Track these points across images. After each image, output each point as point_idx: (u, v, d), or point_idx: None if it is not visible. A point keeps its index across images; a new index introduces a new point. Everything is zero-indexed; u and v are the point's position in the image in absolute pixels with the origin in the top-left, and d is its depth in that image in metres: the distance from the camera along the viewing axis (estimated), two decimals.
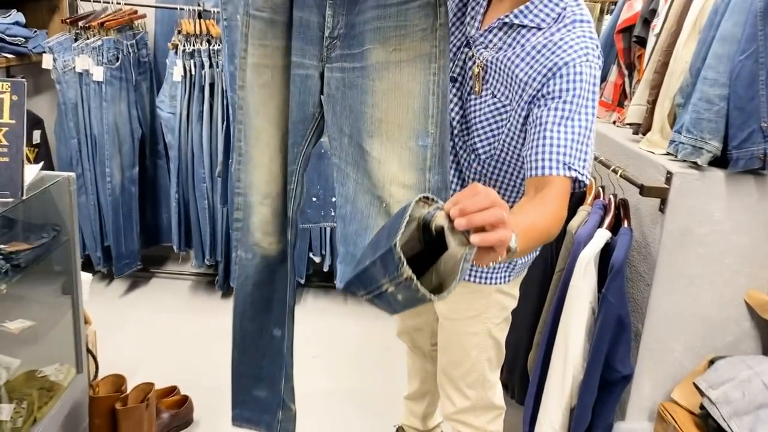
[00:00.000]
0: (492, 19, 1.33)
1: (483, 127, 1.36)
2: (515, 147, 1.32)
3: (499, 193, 1.41)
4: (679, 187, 1.68)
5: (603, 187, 2.01)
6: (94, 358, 2.21)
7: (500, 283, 1.48)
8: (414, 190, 1.37)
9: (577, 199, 2.00)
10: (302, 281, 3.18)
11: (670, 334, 1.77)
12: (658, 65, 1.89)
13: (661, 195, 1.70)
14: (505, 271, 1.48)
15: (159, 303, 3.12)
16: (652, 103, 1.89)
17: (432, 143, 1.36)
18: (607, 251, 1.78)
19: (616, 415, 1.83)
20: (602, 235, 1.78)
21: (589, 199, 1.99)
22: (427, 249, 0.91)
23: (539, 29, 1.26)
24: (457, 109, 1.40)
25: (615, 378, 1.73)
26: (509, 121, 1.30)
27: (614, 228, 1.83)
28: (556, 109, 1.20)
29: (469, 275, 1.48)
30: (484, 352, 1.55)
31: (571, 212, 1.95)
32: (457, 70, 1.39)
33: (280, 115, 1.47)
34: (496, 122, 1.33)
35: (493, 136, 1.34)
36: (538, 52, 1.24)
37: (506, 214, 0.83)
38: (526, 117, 1.26)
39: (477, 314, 1.51)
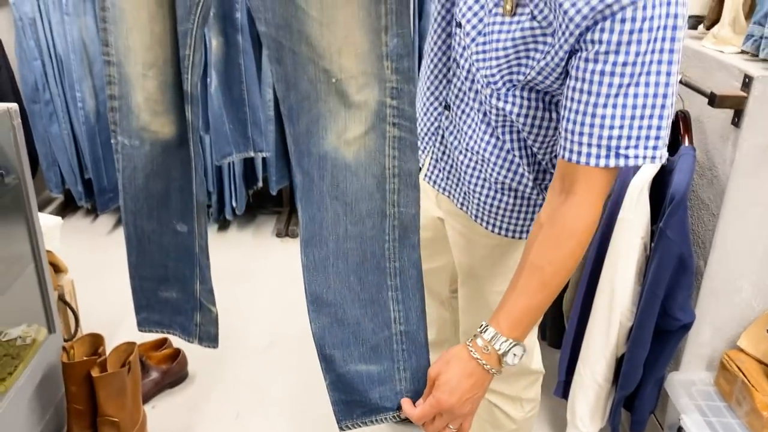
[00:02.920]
0: None
1: (508, 55, 0.99)
2: (552, 86, 0.99)
3: (524, 153, 1.10)
4: (761, 95, 1.34)
5: None
6: (74, 311, 1.98)
7: None
8: (368, 59, 1.06)
9: None
10: (239, 213, 2.92)
11: (739, 271, 1.49)
12: None
13: (736, 105, 1.36)
14: None
15: None
16: None
17: None
18: (662, 175, 1.48)
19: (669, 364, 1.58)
20: None
21: None
22: None
23: None
24: (471, 17, 1.04)
25: (672, 326, 1.47)
26: (549, 53, 0.94)
27: (671, 147, 1.51)
28: (612, 74, 0.86)
29: (495, 226, 1.19)
30: None
31: None
32: None
33: None
34: (527, 50, 0.97)
35: (526, 65, 0.99)
36: None
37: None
38: (569, 57, 0.91)
39: (507, 271, 1.22)
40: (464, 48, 1.08)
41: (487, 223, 1.20)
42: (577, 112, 0.91)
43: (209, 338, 1.41)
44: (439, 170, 1.26)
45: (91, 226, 2.95)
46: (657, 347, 1.50)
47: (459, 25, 1.07)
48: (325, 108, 1.10)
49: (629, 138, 0.89)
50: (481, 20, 1.02)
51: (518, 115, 1.05)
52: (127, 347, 1.67)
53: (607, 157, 0.91)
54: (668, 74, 0.86)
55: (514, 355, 0.98)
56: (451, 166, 1.22)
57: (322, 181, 1.16)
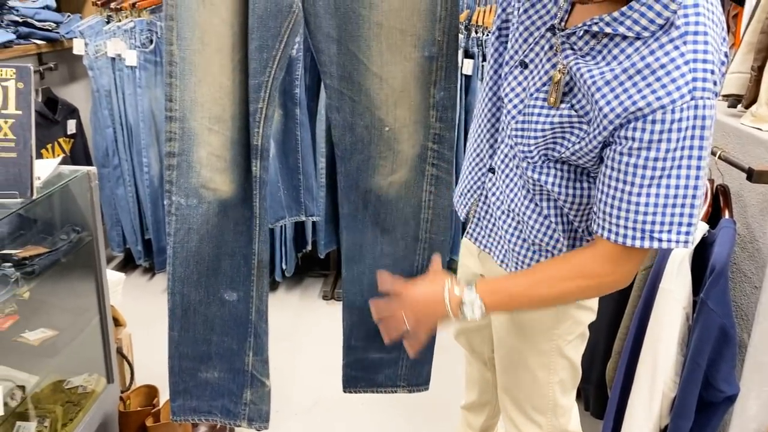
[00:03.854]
0: (578, 20, 1.02)
1: (545, 136, 1.08)
2: (586, 165, 1.07)
3: (560, 219, 1.17)
4: None
5: None
6: (129, 363, 2.07)
7: None
8: (419, 111, 1.20)
9: None
10: (288, 274, 2.99)
11: None
12: (765, 24, 1.58)
13: None
14: None
15: None
16: (759, 69, 1.59)
17: (438, 53, 1.17)
18: (703, 248, 1.51)
19: None
20: (699, 229, 1.50)
21: None
22: None
23: (638, 38, 0.95)
24: (513, 97, 1.13)
25: (717, 398, 1.47)
26: (584, 139, 1.03)
27: (711, 219, 1.55)
28: (644, 167, 0.95)
29: None
30: (554, 373, 1.31)
31: None
32: (531, 56, 1.10)
33: (235, 6, 1.13)
34: (563, 133, 1.06)
35: (561, 145, 1.07)
36: (630, 78, 0.93)
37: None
38: (603, 146, 1.00)
39: (545, 329, 1.27)
40: (507, 123, 1.17)
41: None
42: (613, 197, 0.99)
43: (260, 417, 1.36)
44: (482, 228, 1.33)
45: (148, 283, 3.09)
46: (702, 419, 1.49)
47: (502, 100, 1.17)
48: (375, 151, 1.24)
49: (662, 224, 0.97)
50: (522, 101, 1.11)
51: (553, 185, 1.12)
52: None
53: (642, 239, 0.98)
54: (698, 168, 0.94)
55: (472, 310, 1.12)
56: (494, 225, 1.29)
57: (366, 211, 1.32)
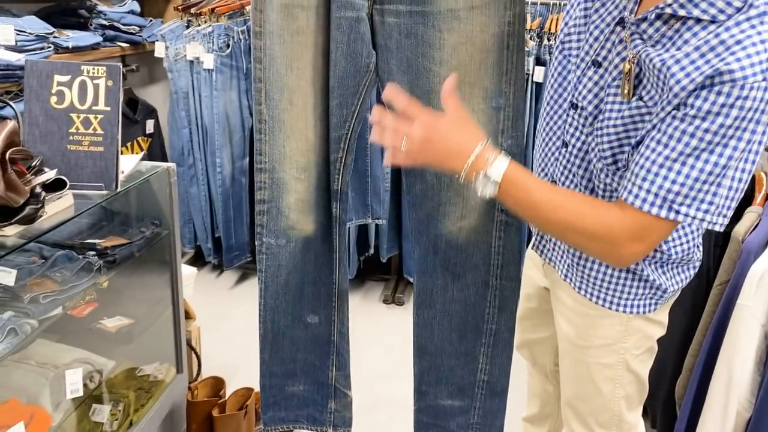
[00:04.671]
0: (651, 4, 1.00)
1: (618, 132, 1.06)
2: None
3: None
4: None
5: None
6: (197, 356, 2.14)
7: (642, 312, 1.21)
8: None
9: (742, 198, 1.66)
10: (350, 277, 3.00)
11: None
12: None
13: None
14: (650, 298, 1.20)
15: None
16: None
17: (506, 104, 1.21)
18: None
19: None
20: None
21: (759, 198, 1.65)
22: None
23: (713, 22, 0.92)
24: (592, 98, 1.12)
25: None
26: (647, 129, 1.01)
27: None
28: (692, 135, 0.92)
29: (599, 298, 1.22)
30: (620, 388, 1.28)
31: (737, 214, 1.62)
32: (604, 53, 1.09)
33: (318, 69, 1.23)
34: (635, 128, 1.03)
35: (628, 144, 1.05)
36: (702, 55, 0.91)
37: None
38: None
39: (611, 342, 1.24)
40: (577, 128, 1.15)
41: (591, 294, 1.23)
42: (648, 158, 0.96)
43: (344, 423, 1.52)
44: (547, 240, 1.31)
45: (216, 280, 3.18)
46: None
47: (575, 107, 1.15)
48: (445, 197, 1.28)
49: (686, 197, 0.94)
50: (599, 99, 1.10)
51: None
52: (245, 392, 1.79)
53: (660, 207, 0.96)
54: (745, 151, 0.91)
55: (485, 185, 1.02)
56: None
57: (436, 256, 1.35)
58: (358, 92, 1.24)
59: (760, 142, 0.93)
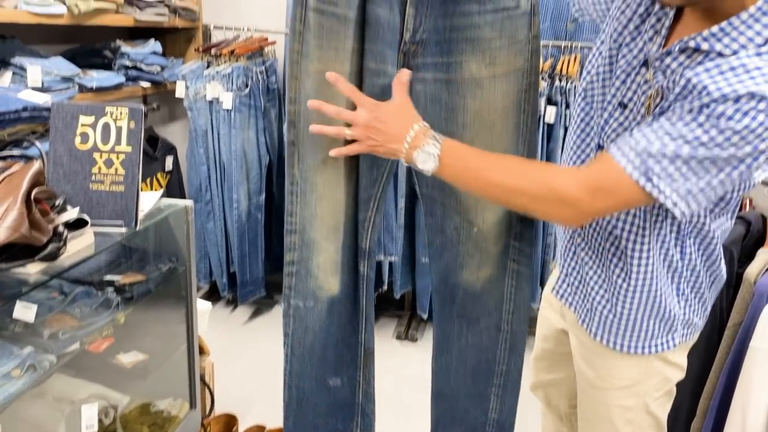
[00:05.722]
0: (677, 38, 1.04)
1: None
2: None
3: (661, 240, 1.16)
4: None
5: None
6: (211, 392, 2.15)
7: (660, 350, 1.21)
8: (503, 213, 1.30)
9: (754, 239, 1.67)
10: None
11: None
12: None
13: None
14: (667, 335, 1.21)
15: (280, 332, 3.05)
16: None
17: None
18: None
19: None
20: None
21: None
22: None
23: (734, 54, 0.95)
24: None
25: None
26: None
27: None
28: (700, 125, 0.93)
29: (616, 344, 1.23)
30: (639, 430, 1.27)
31: (749, 255, 1.62)
32: (629, 94, 1.12)
33: None
34: None
35: None
36: (722, 73, 0.93)
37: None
38: None
39: (631, 385, 1.24)
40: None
41: (607, 340, 1.23)
42: (650, 126, 0.98)
43: None
44: (568, 284, 1.32)
45: (231, 315, 3.20)
46: None
47: (602, 147, 1.17)
48: (463, 249, 1.33)
49: (666, 174, 0.95)
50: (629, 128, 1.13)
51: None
52: (257, 430, 1.80)
53: (637, 169, 0.97)
54: (738, 159, 0.93)
55: (425, 161, 1.09)
56: (580, 282, 1.29)
57: (453, 305, 1.40)
58: None
59: (756, 158, 0.94)
